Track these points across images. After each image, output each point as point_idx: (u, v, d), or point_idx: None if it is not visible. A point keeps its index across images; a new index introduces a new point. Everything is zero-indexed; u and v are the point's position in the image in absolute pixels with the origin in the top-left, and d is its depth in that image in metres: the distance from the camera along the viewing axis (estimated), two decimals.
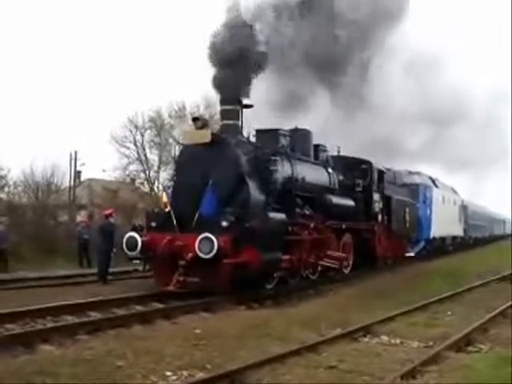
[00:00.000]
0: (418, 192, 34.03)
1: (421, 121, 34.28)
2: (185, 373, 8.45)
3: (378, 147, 27.45)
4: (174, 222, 16.04)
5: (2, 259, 23.31)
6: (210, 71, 17.38)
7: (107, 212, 20.82)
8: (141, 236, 16.11)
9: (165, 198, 17.16)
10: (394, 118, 29.91)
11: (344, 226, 20.97)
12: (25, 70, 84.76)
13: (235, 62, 16.77)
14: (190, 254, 14.82)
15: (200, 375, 8.28)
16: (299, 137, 20.34)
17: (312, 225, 18.38)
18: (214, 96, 18.95)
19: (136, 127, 43.54)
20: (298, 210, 18.06)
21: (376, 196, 24.51)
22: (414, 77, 28.72)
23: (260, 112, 19.59)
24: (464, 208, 48.65)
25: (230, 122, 17.40)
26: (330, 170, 21.54)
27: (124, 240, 16.24)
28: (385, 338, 11.47)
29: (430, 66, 31.17)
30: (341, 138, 23.77)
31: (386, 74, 24.38)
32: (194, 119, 17.71)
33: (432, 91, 33.75)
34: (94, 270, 20.85)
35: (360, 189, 23.15)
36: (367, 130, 27.73)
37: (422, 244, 34.24)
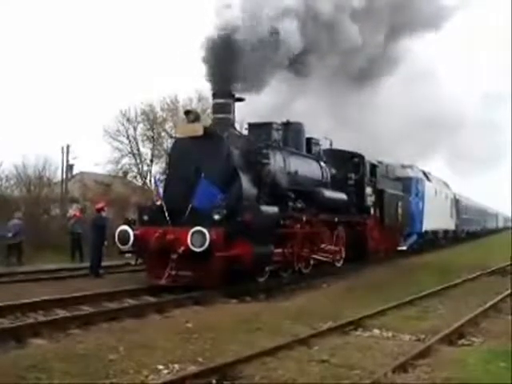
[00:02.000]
0: (410, 185, 34.01)
1: (417, 126, 34.18)
2: (176, 366, 8.46)
3: (373, 147, 27.42)
4: (166, 215, 16.03)
5: (18, 252, 23.78)
6: (202, 65, 17.36)
7: (99, 206, 20.77)
8: (133, 229, 16.10)
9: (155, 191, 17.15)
10: (389, 122, 29.92)
11: (336, 220, 21.00)
12: (17, 64, 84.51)
13: (227, 55, 16.78)
14: (182, 248, 14.80)
15: (192, 369, 8.28)
16: (291, 130, 20.32)
17: (304, 218, 18.37)
18: (207, 89, 18.89)
19: (128, 120, 43.36)
20: (290, 203, 18.05)
21: (368, 189, 24.52)
22: (409, 84, 28.82)
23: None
24: (456, 202, 48.74)
25: (223, 115, 17.37)
26: (322, 163, 21.54)
27: (116, 233, 16.23)
28: (376, 331, 11.49)
29: (424, 74, 31.19)
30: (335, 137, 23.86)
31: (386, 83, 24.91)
32: (187, 112, 17.70)
33: (427, 98, 33.74)
34: (87, 264, 20.81)
35: (352, 182, 23.16)
36: (362, 132, 27.74)
37: (414, 237, 34.23)
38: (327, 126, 23.87)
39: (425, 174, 38.83)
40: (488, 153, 52.06)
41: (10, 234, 23.77)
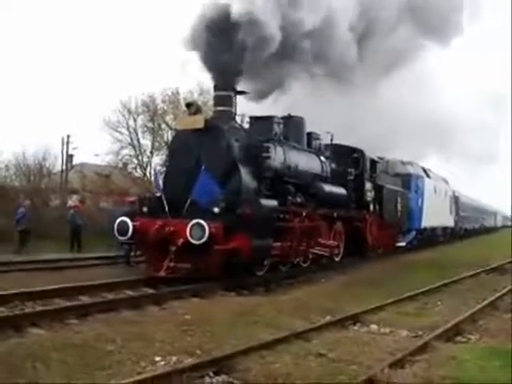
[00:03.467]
0: (410, 182, 33.98)
1: (417, 125, 34.23)
2: (174, 358, 8.45)
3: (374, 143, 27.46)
4: (166, 207, 16.03)
5: (24, 238, 24.28)
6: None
7: (131, 199, 20.77)
8: (132, 221, 16.09)
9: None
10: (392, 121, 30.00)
11: (335, 215, 20.98)
12: (18, 54, 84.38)
13: (228, 48, 16.76)
14: (181, 240, 14.80)
15: (189, 361, 8.29)
16: (292, 124, 20.27)
17: (304, 212, 18.37)
18: (209, 82, 18.84)
19: (129, 112, 43.33)
20: (289, 197, 18.02)
21: (368, 185, 24.50)
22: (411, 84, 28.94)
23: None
24: (455, 199, 48.74)
25: (224, 108, 17.35)
26: (322, 158, 21.52)
27: (115, 225, 16.20)
28: (374, 326, 11.50)
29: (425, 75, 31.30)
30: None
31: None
32: (188, 105, 17.69)
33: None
34: (85, 255, 20.85)
35: (352, 177, 23.12)
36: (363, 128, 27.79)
37: (412, 234, 34.23)
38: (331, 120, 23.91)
39: (425, 170, 38.81)
40: (486, 151, 52.14)
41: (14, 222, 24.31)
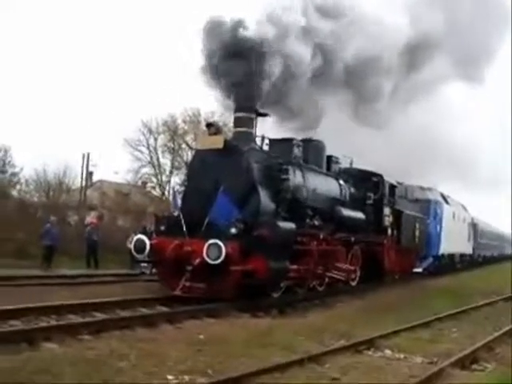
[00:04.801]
0: (428, 208, 33.85)
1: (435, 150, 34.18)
2: (186, 377, 8.43)
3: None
4: (184, 226, 16.05)
5: (49, 253, 24.21)
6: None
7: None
8: (149, 239, 16.13)
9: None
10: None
11: (353, 239, 20.89)
12: (40, 71, 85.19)
13: (249, 70, 16.83)
14: (198, 260, 14.81)
15: (201, 381, 8.26)
16: (312, 147, 20.33)
17: (321, 236, 18.31)
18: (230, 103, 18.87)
19: (150, 131, 43.66)
20: (307, 220, 18.00)
21: (386, 210, 24.40)
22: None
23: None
24: (474, 226, 48.40)
25: (244, 129, 17.40)
26: (341, 181, 21.50)
27: (132, 242, 16.26)
28: (388, 352, 11.40)
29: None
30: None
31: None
32: (208, 125, 17.77)
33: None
34: (101, 271, 20.89)
35: (371, 202, 23.06)
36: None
37: (430, 260, 34.05)
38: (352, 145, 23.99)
39: (443, 196, 38.64)
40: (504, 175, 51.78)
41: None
